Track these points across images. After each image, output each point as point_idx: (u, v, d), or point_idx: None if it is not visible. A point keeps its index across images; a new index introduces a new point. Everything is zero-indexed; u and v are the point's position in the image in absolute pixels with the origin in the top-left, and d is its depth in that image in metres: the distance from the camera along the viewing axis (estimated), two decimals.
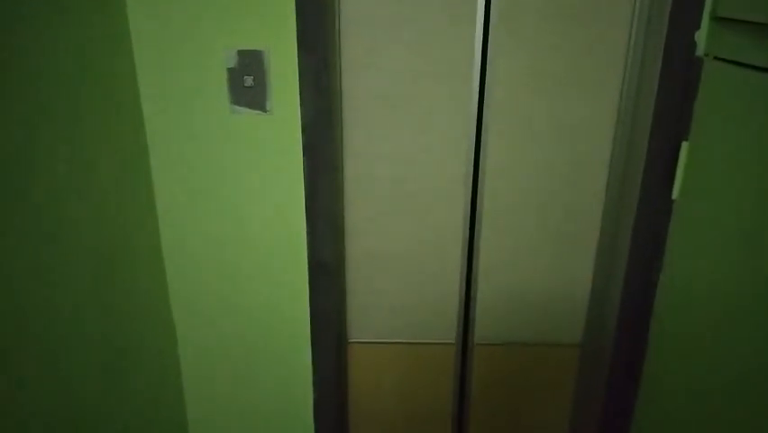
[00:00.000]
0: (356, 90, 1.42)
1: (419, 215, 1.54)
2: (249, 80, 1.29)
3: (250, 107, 1.31)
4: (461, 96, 1.43)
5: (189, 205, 1.40)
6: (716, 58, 1.21)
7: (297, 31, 1.25)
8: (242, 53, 1.27)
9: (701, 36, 1.24)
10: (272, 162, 1.36)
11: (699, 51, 1.25)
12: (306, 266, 1.45)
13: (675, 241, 1.36)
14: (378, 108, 1.44)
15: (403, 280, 1.60)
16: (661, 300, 1.42)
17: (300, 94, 1.30)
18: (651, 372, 1.46)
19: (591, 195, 1.52)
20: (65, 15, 1.02)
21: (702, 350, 1.22)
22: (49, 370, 0.98)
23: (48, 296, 0.98)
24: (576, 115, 1.44)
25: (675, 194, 1.34)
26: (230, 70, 1.28)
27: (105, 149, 1.16)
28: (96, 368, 1.14)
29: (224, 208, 1.40)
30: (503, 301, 1.62)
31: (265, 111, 1.32)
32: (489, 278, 1.60)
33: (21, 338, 0.91)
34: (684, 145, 1.31)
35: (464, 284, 1.61)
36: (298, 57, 1.27)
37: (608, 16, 1.36)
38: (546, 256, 1.57)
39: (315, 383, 1.57)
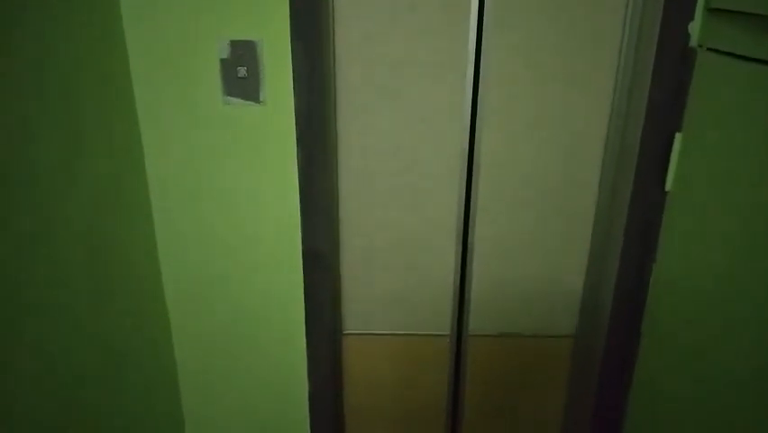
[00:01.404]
0: (350, 81, 1.42)
1: (414, 206, 1.54)
2: (242, 71, 1.28)
3: (243, 98, 1.31)
4: (456, 87, 1.43)
5: (183, 196, 1.40)
6: (709, 49, 1.21)
7: (291, 21, 1.25)
8: (234, 43, 1.26)
9: (695, 27, 1.24)
10: (266, 153, 1.36)
11: (693, 43, 1.25)
12: (301, 258, 1.45)
13: (668, 232, 1.37)
14: (372, 99, 1.43)
15: (398, 271, 1.60)
16: (654, 291, 1.43)
17: (294, 85, 1.30)
18: (644, 362, 1.47)
19: (585, 186, 1.52)
20: (58, 9, 1.01)
21: (695, 340, 1.23)
22: (44, 367, 0.98)
23: (43, 292, 0.97)
24: (570, 106, 1.44)
25: (668, 185, 1.35)
26: (223, 61, 1.28)
27: (99, 141, 1.15)
28: (92, 362, 1.13)
29: (217, 200, 1.40)
30: (497, 293, 1.63)
31: (258, 102, 1.31)
32: (483, 269, 1.60)
33: (16, 336, 0.90)
34: (677, 137, 1.31)
35: (458, 276, 1.61)
36: (292, 47, 1.27)
37: (602, 7, 1.36)
38: (540, 247, 1.58)
39: (309, 375, 1.57)
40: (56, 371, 1.01)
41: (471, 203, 1.53)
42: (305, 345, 1.54)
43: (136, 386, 1.33)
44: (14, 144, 0.89)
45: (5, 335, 0.88)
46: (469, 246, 1.58)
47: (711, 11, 1.20)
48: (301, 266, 1.45)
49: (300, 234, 1.42)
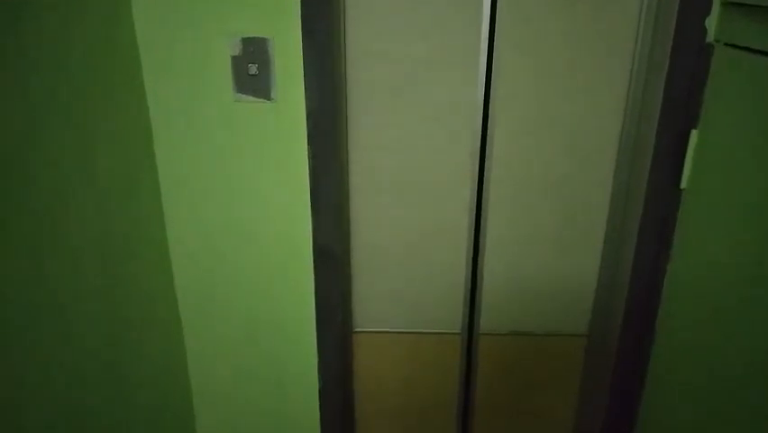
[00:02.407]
0: (361, 78, 1.41)
1: (425, 204, 1.53)
2: (253, 68, 1.28)
3: (254, 96, 1.30)
4: (468, 84, 1.42)
5: (194, 194, 1.40)
6: (726, 44, 1.19)
7: (302, 18, 1.24)
8: (246, 41, 1.26)
9: (712, 22, 1.22)
10: (277, 151, 1.36)
11: (710, 38, 1.23)
12: (311, 256, 1.44)
13: (684, 230, 1.35)
14: (383, 96, 1.43)
15: (408, 269, 1.60)
16: (668, 290, 1.41)
17: (305, 82, 1.29)
18: (658, 362, 1.45)
19: (599, 183, 1.50)
20: (69, 7, 1.01)
21: (710, 340, 1.21)
22: (55, 366, 0.98)
23: (53, 291, 0.97)
24: (584, 102, 1.43)
25: (684, 183, 1.33)
26: (234, 58, 1.27)
27: (109, 139, 1.15)
28: (103, 361, 1.14)
29: (228, 197, 1.40)
30: (509, 291, 1.62)
31: (270, 99, 1.31)
32: (495, 267, 1.59)
33: (26, 335, 0.90)
34: (693, 133, 1.29)
35: (470, 274, 1.60)
36: (303, 45, 1.26)
37: (617, 2, 1.35)
38: (553, 245, 1.56)
39: (320, 373, 1.57)
40: (67, 371, 1.02)
41: (483, 201, 1.52)
42: (315, 343, 1.54)
43: (147, 384, 1.34)
44: (25, 144, 0.90)
45: (16, 335, 0.88)
46: (480, 244, 1.57)
47: (728, 5, 1.18)
48: (312, 264, 1.45)
49: (311, 231, 1.42)
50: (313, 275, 1.47)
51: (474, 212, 1.53)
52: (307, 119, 1.32)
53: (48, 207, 0.96)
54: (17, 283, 0.88)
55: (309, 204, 1.40)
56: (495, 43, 1.38)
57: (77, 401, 1.06)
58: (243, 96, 1.30)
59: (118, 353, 1.20)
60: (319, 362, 1.56)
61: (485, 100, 1.43)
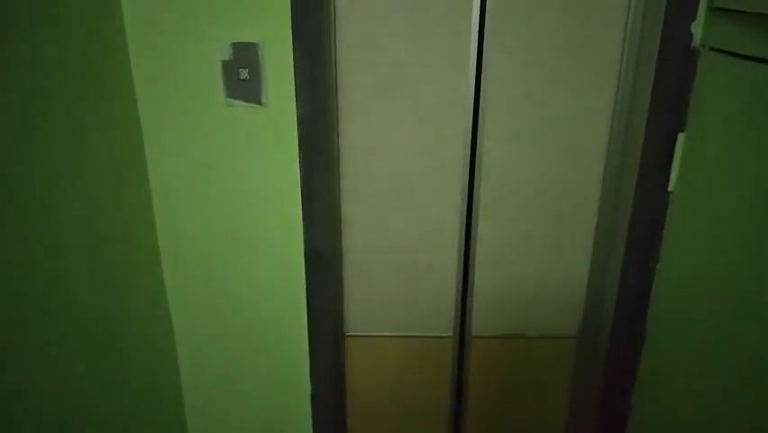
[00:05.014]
0: (352, 82, 1.42)
1: (416, 207, 1.53)
2: (244, 73, 1.28)
3: (245, 100, 1.31)
4: (458, 87, 1.42)
5: (185, 198, 1.40)
6: (712, 49, 1.20)
7: (292, 22, 1.25)
8: (236, 46, 1.26)
9: (698, 27, 1.24)
10: (268, 155, 1.36)
11: (696, 42, 1.25)
12: (303, 259, 1.44)
13: (672, 232, 1.36)
14: (373, 100, 1.43)
15: (400, 272, 1.60)
16: (658, 292, 1.42)
17: (296, 86, 1.30)
18: (648, 363, 1.47)
19: (588, 187, 1.51)
20: (60, 12, 1.01)
21: (700, 341, 1.22)
22: (45, 367, 0.98)
23: (44, 292, 0.97)
24: (573, 106, 1.44)
25: (672, 185, 1.34)
26: (224, 63, 1.28)
27: (101, 144, 1.15)
28: (94, 363, 1.13)
29: (219, 202, 1.40)
30: (500, 294, 1.62)
31: (260, 104, 1.31)
32: (486, 270, 1.60)
33: (17, 336, 0.90)
34: (681, 137, 1.30)
35: (461, 277, 1.60)
36: (293, 49, 1.27)
37: (605, 7, 1.36)
38: (543, 248, 1.57)
39: (312, 377, 1.57)
40: (58, 371, 1.01)
41: (474, 204, 1.53)
42: (307, 347, 1.54)
43: (138, 387, 1.33)
44: (15, 148, 0.89)
45: (8, 336, 0.88)
46: (471, 247, 1.57)
47: (714, 10, 1.19)
48: (303, 267, 1.45)
49: (302, 235, 1.42)
50: (305, 279, 1.47)
51: (465, 215, 1.54)
52: (298, 123, 1.33)
53: (37, 211, 0.95)
54: (7, 284, 0.87)
55: (301, 208, 1.40)
56: (484, 47, 1.39)
57: (68, 403, 1.05)
58: (234, 100, 1.31)
59: (108, 358, 1.20)
60: (311, 365, 1.56)
61: (475, 104, 1.44)
